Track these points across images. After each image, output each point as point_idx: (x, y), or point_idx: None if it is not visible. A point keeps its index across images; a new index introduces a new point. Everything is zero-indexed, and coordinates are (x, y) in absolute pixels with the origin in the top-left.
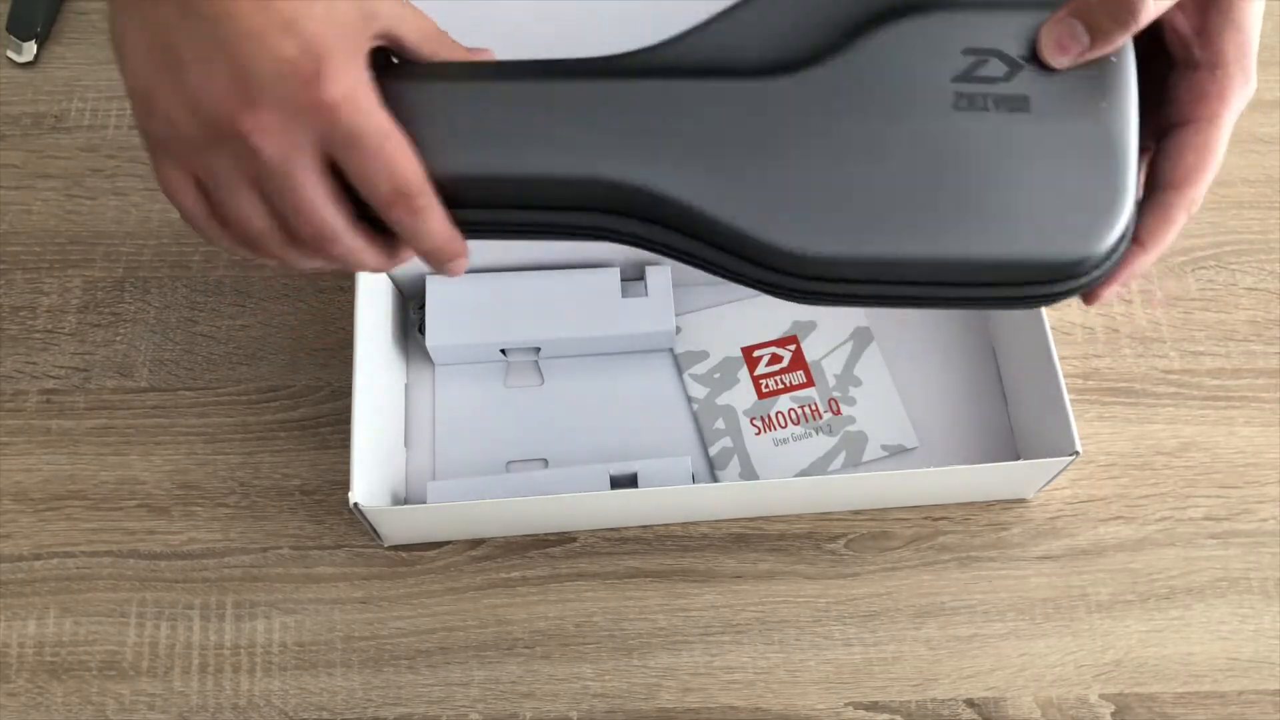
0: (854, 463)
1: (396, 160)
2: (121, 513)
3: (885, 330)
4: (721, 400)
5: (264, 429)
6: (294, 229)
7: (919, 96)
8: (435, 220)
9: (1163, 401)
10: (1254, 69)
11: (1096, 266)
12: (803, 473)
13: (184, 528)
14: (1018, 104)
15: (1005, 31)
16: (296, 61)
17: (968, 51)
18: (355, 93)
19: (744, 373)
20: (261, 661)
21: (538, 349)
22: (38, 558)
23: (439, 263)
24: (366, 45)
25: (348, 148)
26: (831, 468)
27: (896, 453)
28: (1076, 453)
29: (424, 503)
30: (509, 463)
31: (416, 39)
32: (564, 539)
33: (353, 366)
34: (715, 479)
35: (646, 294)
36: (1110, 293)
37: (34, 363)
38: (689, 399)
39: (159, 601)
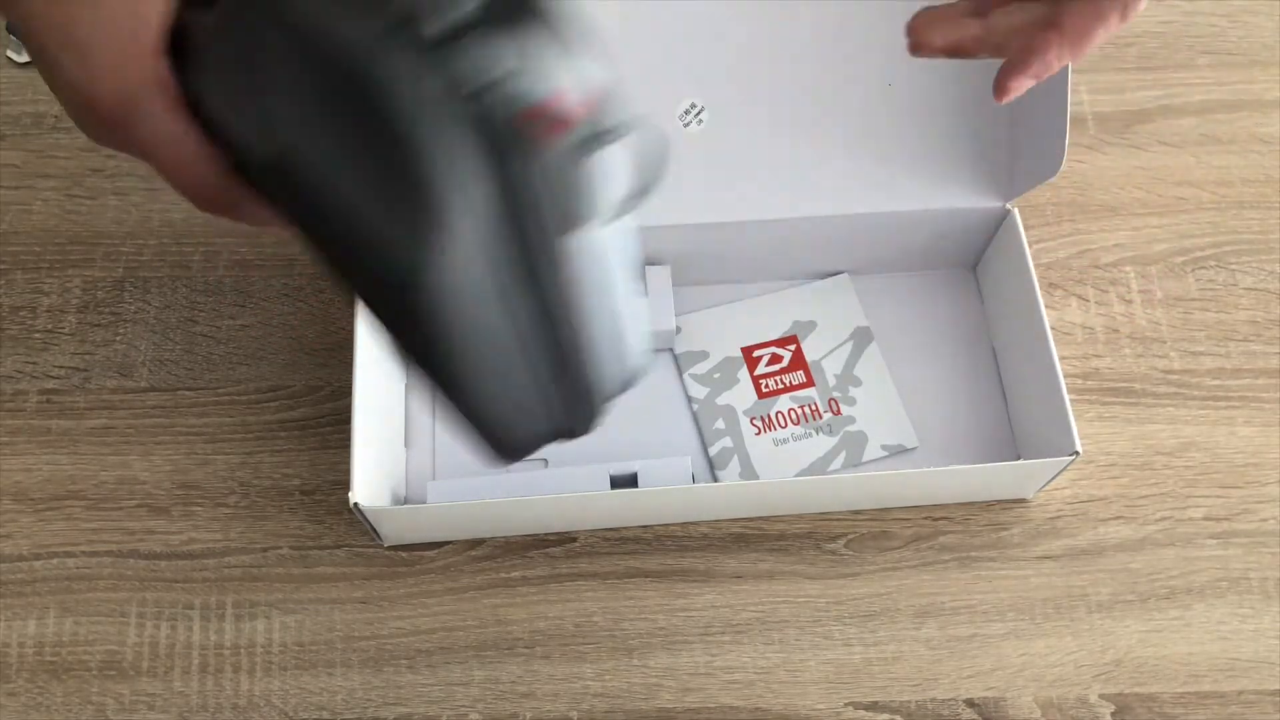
0: (854, 463)
1: (181, 175)
2: (121, 513)
3: (885, 330)
4: (721, 400)
5: (264, 429)
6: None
7: None
8: (251, 213)
9: (1163, 401)
10: None
11: None
12: (803, 473)
13: (184, 528)
14: None
15: None
16: (78, 84)
17: None
18: (130, 104)
19: (744, 373)
20: (261, 661)
21: None
22: (38, 558)
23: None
24: (150, 41)
25: (145, 159)
26: (831, 468)
27: (896, 453)
28: (1076, 453)
29: (424, 503)
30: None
31: None
32: (564, 539)
33: (353, 366)
34: (715, 479)
35: (646, 294)
36: (1022, 83)
37: (34, 363)
38: (689, 399)
39: (159, 601)
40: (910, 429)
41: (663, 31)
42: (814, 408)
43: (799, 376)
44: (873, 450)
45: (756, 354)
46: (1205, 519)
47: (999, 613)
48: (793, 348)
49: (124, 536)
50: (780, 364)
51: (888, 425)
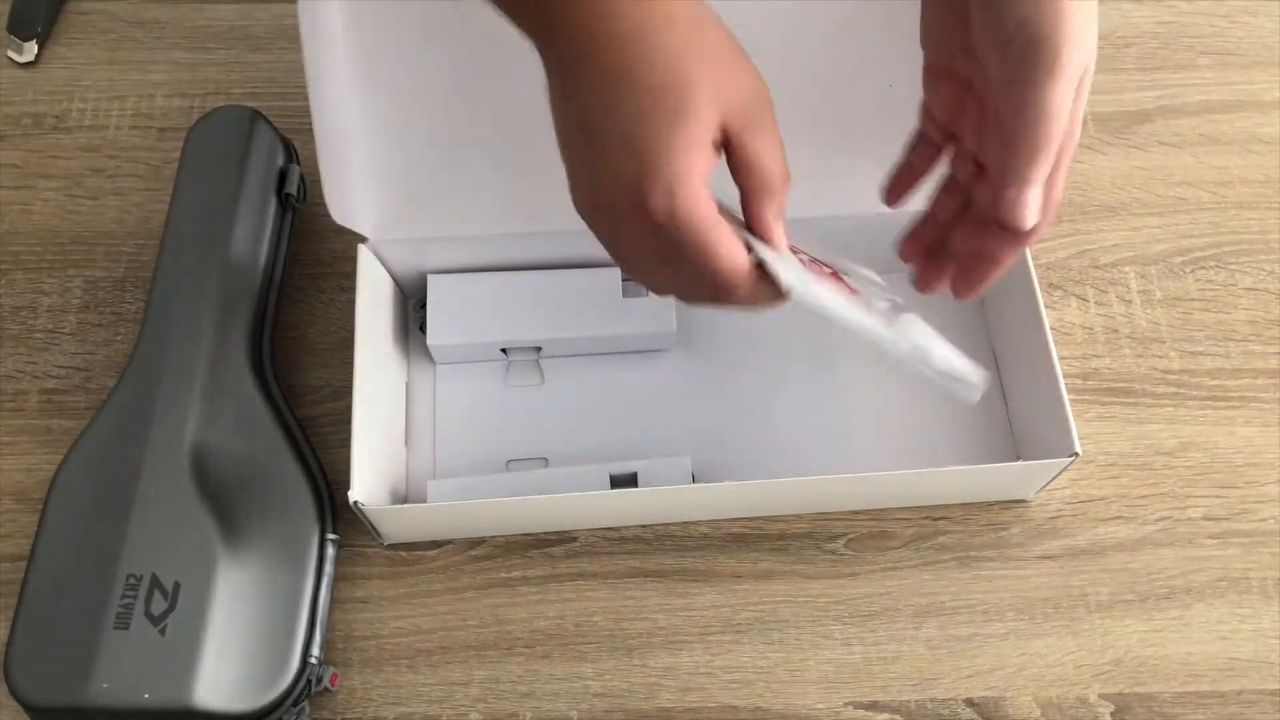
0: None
1: (710, 261)
2: None
3: None
4: None
5: None
6: None
7: None
8: (762, 297)
9: (1162, 401)
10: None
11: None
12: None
13: None
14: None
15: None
16: (630, 181)
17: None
18: (674, 203)
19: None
20: None
21: (538, 348)
22: None
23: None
24: (698, 149)
25: (672, 253)
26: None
27: (953, 381)
28: (1076, 454)
29: (424, 501)
30: (509, 462)
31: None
32: (564, 539)
33: (353, 366)
34: None
35: (646, 294)
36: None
37: (35, 362)
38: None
39: None
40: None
41: None
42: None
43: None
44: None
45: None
46: (1205, 519)
47: (999, 612)
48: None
49: None
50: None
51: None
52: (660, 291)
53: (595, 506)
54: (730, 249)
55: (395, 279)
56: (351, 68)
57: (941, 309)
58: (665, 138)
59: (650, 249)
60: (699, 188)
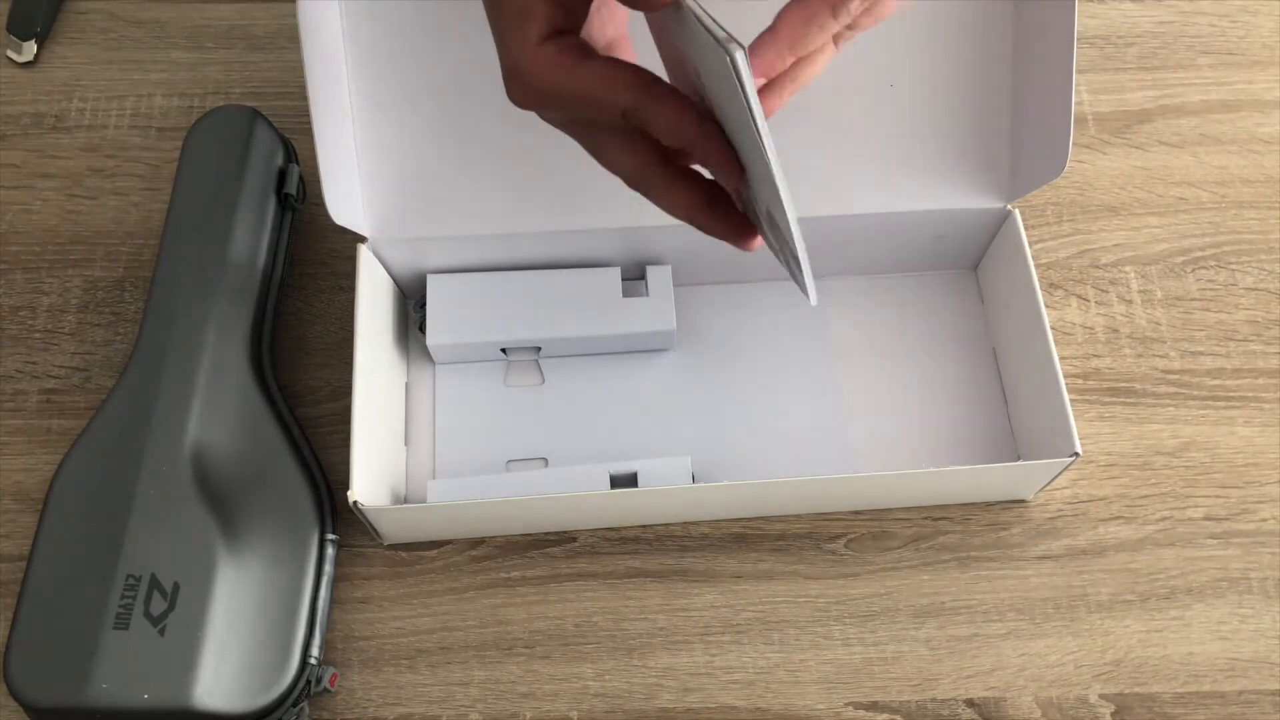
0: None
1: (595, 105)
2: None
3: (885, 331)
4: None
5: None
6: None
7: None
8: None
9: (1163, 401)
10: None
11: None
12: None
13: None
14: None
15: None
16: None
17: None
18: (517, 86)
19: None
20: None
21: (538, 348)
22: None
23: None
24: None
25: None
26: None
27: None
28: (1076, 454)
29: (424, 502)
30: (509, 462)
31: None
32: (564, 539)
33: (353, 366)
34: None
35: (647, 294)
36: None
37: (34, 362)
38: None
39: None
40: None
41: None
42: None
43: None
44: None
45: None
46: (1205, 519)
47: (999, 613)
48: None
49: None
50: None
51: None
52: (627, 169)
53: (595, 506)
54: (604, 78)
55: (395, 279)
56: (351, 67)
57: (941, 308)
58: (493, 18)
59: (564, 120)
60: (534, 57)
